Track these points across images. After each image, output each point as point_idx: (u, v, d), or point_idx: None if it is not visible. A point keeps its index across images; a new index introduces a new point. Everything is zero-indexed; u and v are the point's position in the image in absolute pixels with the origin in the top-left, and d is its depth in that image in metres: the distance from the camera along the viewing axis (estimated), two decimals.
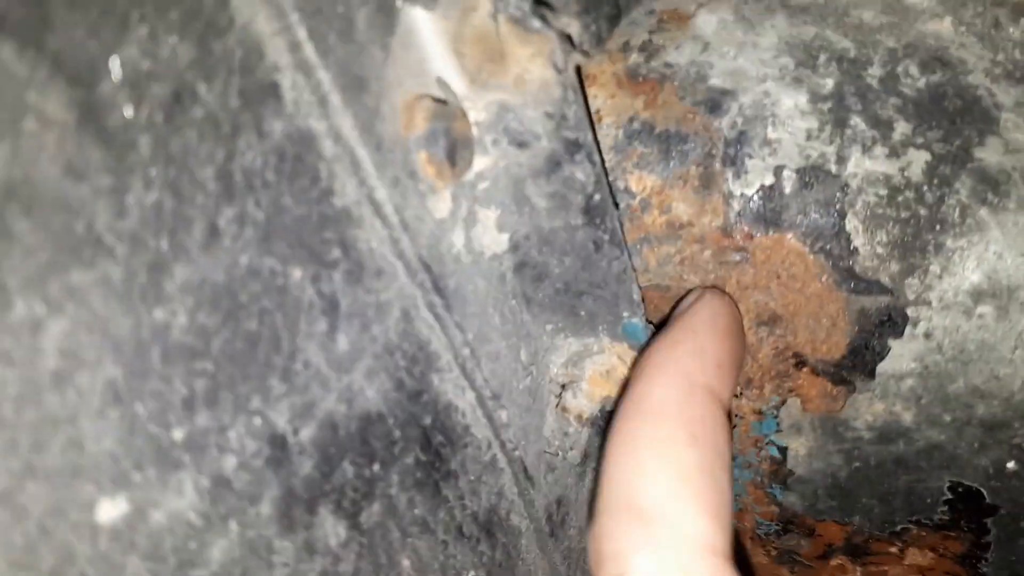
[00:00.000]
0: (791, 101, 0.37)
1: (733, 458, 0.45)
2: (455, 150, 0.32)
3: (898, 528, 0.44)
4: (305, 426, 0.26)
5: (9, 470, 0.18)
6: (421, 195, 0.32)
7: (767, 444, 0.43)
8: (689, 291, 0.39)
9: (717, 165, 0.37)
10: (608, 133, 0.39)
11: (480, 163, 0.35)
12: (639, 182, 0.39)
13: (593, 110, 0.40)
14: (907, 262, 0.36)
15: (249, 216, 0.25)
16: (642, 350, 0.38)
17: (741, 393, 0.41)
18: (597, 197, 0.36)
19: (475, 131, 0.34)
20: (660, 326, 0.43)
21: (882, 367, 0.38)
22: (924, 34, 0.38)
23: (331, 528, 0.27)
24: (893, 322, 0.37)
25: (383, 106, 0.30)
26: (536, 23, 0.30)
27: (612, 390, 0.42)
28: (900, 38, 0.38)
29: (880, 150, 0.36)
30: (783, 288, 0.38)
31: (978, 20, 0.38)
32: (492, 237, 0.37)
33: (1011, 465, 0.39)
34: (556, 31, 0.30)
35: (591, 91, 0.40)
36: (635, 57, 0.40)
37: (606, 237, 0.38)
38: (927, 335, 0.37)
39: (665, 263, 0.40)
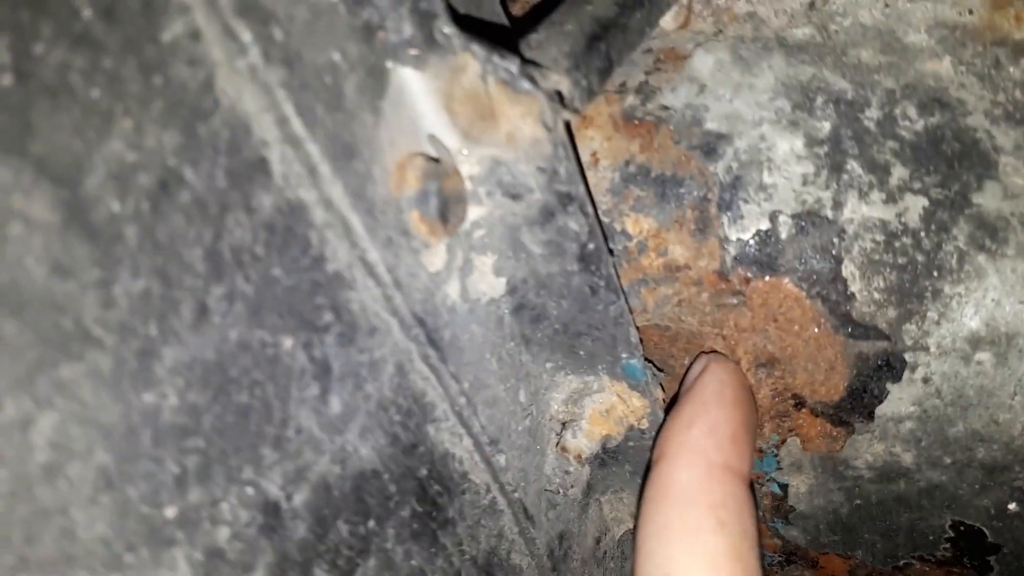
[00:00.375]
0: (787, 145, 0.37)
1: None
2: (447, 207, 0.33)
3: (901, 563, 0.44)
4: (298, 491, 0.27)
5: (2, 565, 0.19)
6: (414, 252, 0.32)
7: (768, 481, 0.43)
8: (695, 359, 0.39)
9: (713, 209, 0.38)
10: (605, 176, 0.40)
11: (475, 212, 0.36)
12: (636, 225, 0.39)
13: (590, 152, 0.40)
14: (904, 308, 0.36)
15: (238, 292, 0.25)
16: (660, 428, 0.38)
17: None
18: (591, 246, 0.36)
19: (469, 184, 0.35)
20: (660, 367, 0.43)
21: (881, 410, 0.38)
22: (923, 74, 0.38)
23: None
24: (891, 367, 0.37)
25: (374, 169, 0.31)
26: (525, 84, 0.30)
27: (612, 429, 0.42)
28: (899, 78, 0.38)
29: (877, 195, 0.36)
30: (780, 331, 0.38)
31: (978, 60, 0.37)
32: (489, 282, 0.38)
33: (1012, 506, 0.39)
34: (545, 91, 0.31)
35: (588, 133, 0.41)
36: (631, 99, 0.40)
37: (602, 283, 0.38)
38: (925, 380, 0.36)
39: (663, 304, 0.40)
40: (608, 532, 0.51)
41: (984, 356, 0.35)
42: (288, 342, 0.27)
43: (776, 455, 0.41)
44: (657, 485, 0.32)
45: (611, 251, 0.37)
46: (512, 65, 0.30)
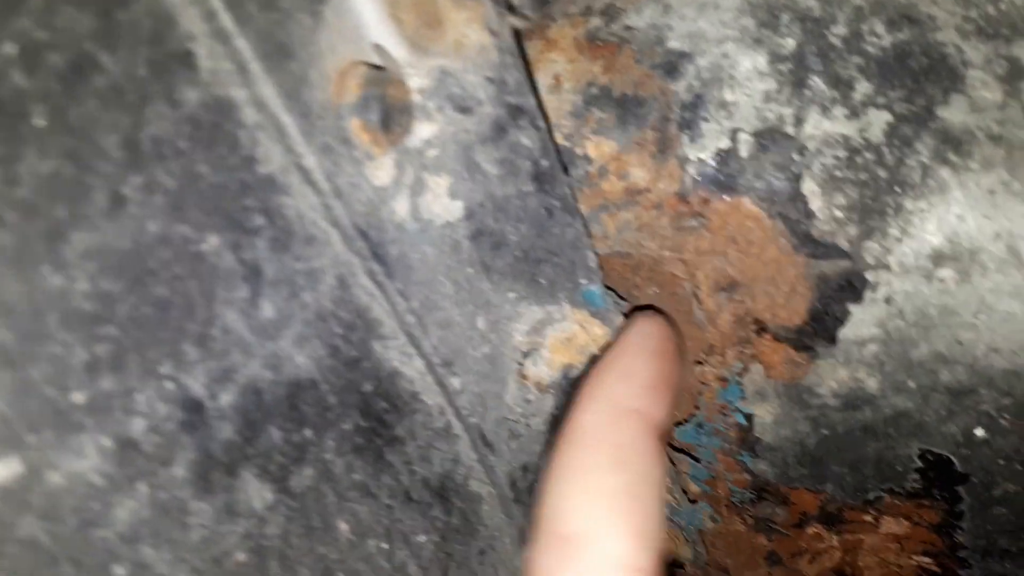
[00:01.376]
0: (749, 62, 0.36)
1: (700, 425, 0.45)
2: (390, 116, 0.32)
3: (871, 496, 0.43)
4: (224, 391, 0.27)
5: None
6: (356, 162, 0.32)
7: (733, 411, 0.42)
8: (628, 316, 0.39)
9: (673, 129, 0.37)
10: (567, 99, 0.39)
11: (427, 130, 0.35)
12: (597, 148, 0.38)
13: (553, 75, 0.40)
14: (866, 225, 0.35)
15: (158, 184, 0.25)
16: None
17: (704, 360, 0.41)
18: (545, 163, 0.36)
19: (419, 98, 0.34)
20: (623, 296, 0.43)
21: (843, 333, 0.37)
22: None
23: (255, 491, 0.28)
24: (852, 287, 0.36)
25: (311, 73, 0.30)
26: None
27: (573, 357, 0.42)
28: None
29: (840, 111, 0.35)
30: (740, 254, 0.37)
31: None
32: (444, 205, 0.37)
33: (979, 432, 0.38)
34: None
35: (551, 55, 0.40)
36: (596, 21, 0.39)
37: (557, 204, 0.37)
38: (887, 300, 0.36)
39: (624, 229, 0.39)
40: None
41: (946, 273, 0.34)
42: (214, 240, 0.26)
43: (740, 383, 0.41)
44: (564, 430, 0.32)
45: (567, 172, 0.36)
46: None
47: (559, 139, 0.39)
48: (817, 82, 0.35)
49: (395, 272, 0.34)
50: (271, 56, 0.28)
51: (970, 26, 0.36)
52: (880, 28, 0.36)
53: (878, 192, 0.35)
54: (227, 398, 0.27)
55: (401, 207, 0.35)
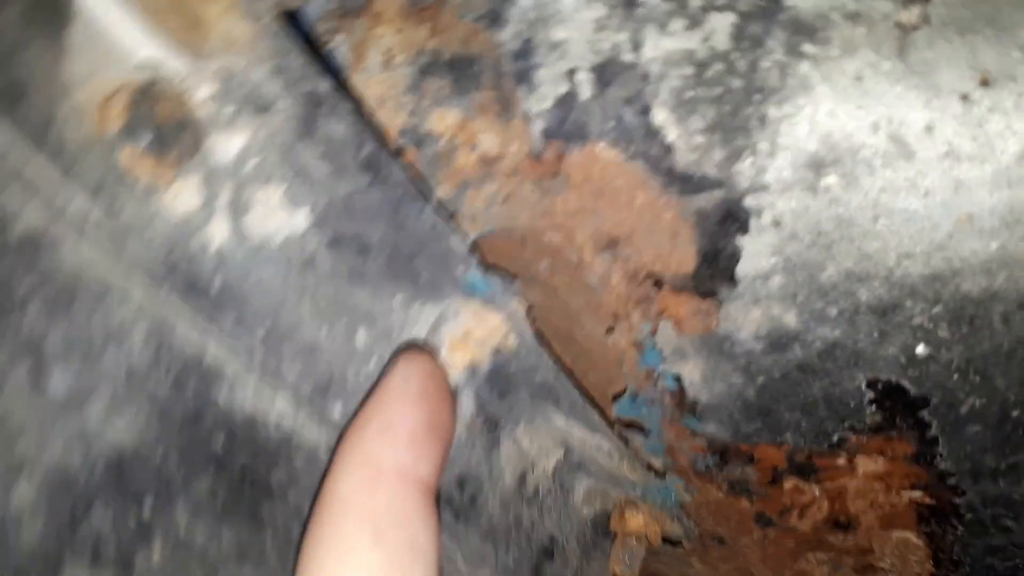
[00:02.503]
0: None
1: (634, 397, 0.41)
2: (166, 136, 0.29)
3: (835, 439, 0.39)
4: (16, 488, 0.24)
5: None
6: (142, 194, 0.29)
7: (659, 376, 0.38)
8: (395, 354, 0.35)
9: (510, 84, 0.33)
10: (402, 73, 0.36)
11: (237, 141, 0.32)
12: (441, 120, 0.35)
13: (384, 51, 0.36)
14: (732, 146, 0.31)
15: None
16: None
17: (612, 328, 0.37)
18: (367, 151, 0.32)
19: (212, 106, 0.31)
20: (517, 275, 0.39)
21: (742, 270, 0.33)
22: None
23: None
24: (735, 217, 0.32)
25: (60, 110, 0.27)
26: None
27: (474, 353, 0.38)
28: None
29: (678, 23, 0.31)
30: (610, 206, 0.33)
31: None
32: (281, 219, 0.34)
33: (921, 350, 0.33)
34: None
35: (378, 31, 0.36)
36: None
37: (399, 191, 0.34)
38: (776, 224, 0.31)
39: (491, 205, 0.36)
40: (536, 465, 0.47)
41: (831, 180, 0.30)
42: None
43: (654, 345, 0.37)
44: (320, 497, 0.29)
45: (396, 154, 0.33)
46: None
47: (403, 117, 0.36)
48: None
49: (224, 305, 0.31)
50: (1, 99, 0.26)
51: None
52: None
53: (737, 106, 0.30)
54: (24, 494, 0.24)
55: (219, 232, 0.32)
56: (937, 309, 0.32)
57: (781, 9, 0.30)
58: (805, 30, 0.29)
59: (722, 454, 0.42)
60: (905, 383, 0.35)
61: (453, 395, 0.36)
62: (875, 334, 0.33)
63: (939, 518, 0.42)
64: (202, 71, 0.30)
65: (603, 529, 0.53)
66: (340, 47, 0.38)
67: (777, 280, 0.33)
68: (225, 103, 0.31)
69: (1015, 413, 0.34)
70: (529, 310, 0.40)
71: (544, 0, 0.32)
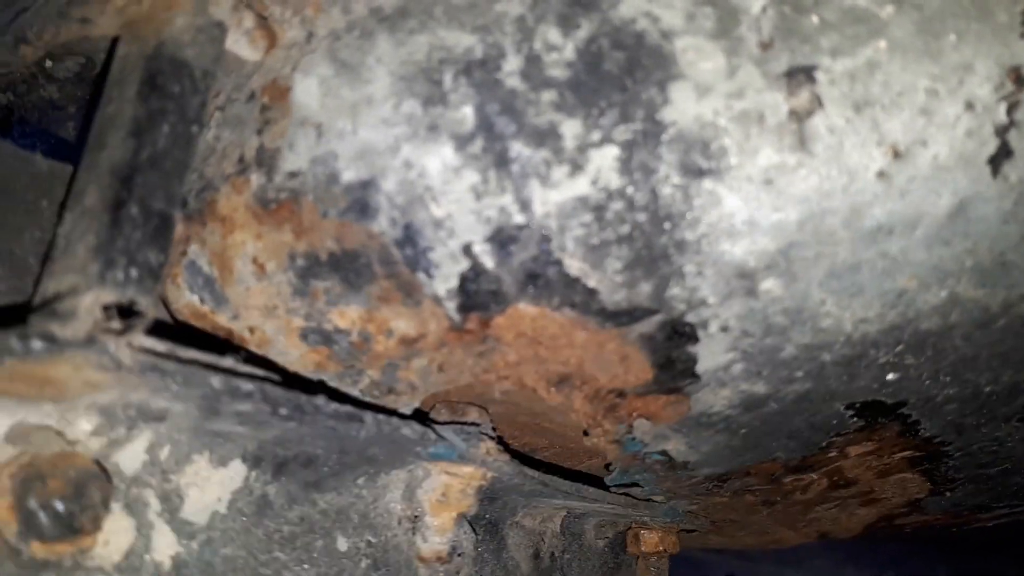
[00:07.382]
0: (437, 161, 0.29)
1: (625, 471, 0.41)
2: (73, 509, 0.26)
3: (823, 444, 0.39)
4: None
5: None
6: (72, 568, 0.26)
7: (645, 456, 0.38)
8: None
9: (405, 271, 0.30)
10: (280, 280, 0.32)
11: (140, 444, 0.29)
12: (343, 318, 0.32)
13: (251, 261, 0.33)
14: (656, 276, 0.29)
15: None
16: None
17: (588, 433, 0.36)
18: (285, 409, 0.29)
19: (101, 439, 0.28)
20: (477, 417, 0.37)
21: (702, 367, 0.32)
22: None
23: None
24: (680, 333, 0.30)
25: None
26: (44, 347, 0.23)
27: (459, 505, 0.37)
28: None
29: (559, 172, 0.28)
30: (550, 351, 0.31)
31: None
32: (219, 481, 0.32)
33: (891, 376, 0.33)
34: (80, 339, 0.23)
35: (236, 238, 0.33)
36: (256, 178, 0.32)
37: (331, 421, 0.31)
38: (724, 329, 0.30)
39: (427, 374, 0.33)
40: (544, 533, 0.47)
41: (769, 284, 0.29)
42: None
43: (634, 438, 0.36)
44: None
45: (320, 390, 0.30)
46: (12, 339, 0.22)
47: (300, 322, 0.33)
48: (519, 148, 0.28)
49: None
50: None
51: None
52: (554, 35, 0.28)
53: (649, 239, 0.28)
54: None
55: (165, 547, 0.29)
56: (899, 348, 0.31)
57: (663, 128, 0.27)
58: (695, 146, 0.27)
59: (719, 479, 0.43)
60: (881, 398, 0.35)
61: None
62: (844, 378, 0.33)
63: (931, 459, 0.43)
64: (73, 409, 0.27)
65: (621, 547, 0.54)
66: (198, 259, 0.34)
67: (739, 367, 0.32)
68: (113, 428, 0.28)
69: (988, 388, 0.35)
70: (491, 421, 0.38)
71: (408, 178, 0.29)
